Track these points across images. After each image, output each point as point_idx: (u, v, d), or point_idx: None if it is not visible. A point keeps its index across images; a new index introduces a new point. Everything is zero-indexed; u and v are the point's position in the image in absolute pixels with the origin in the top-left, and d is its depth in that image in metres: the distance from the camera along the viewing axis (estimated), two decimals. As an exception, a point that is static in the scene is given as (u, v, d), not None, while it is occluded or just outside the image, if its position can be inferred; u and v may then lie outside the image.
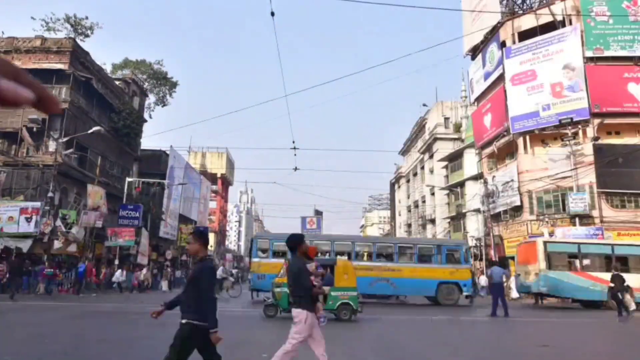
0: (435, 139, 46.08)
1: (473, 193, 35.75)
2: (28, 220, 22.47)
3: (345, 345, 7.82)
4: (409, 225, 57.38)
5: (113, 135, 32.05)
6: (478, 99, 34.79)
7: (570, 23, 27.61)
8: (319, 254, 17.25)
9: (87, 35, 34.45)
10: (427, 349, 8.14)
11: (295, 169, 25.35)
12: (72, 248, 24.49)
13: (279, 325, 10.03)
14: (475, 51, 34.25)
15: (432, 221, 47.09)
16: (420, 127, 53.43)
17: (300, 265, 4.61)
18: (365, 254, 19.93)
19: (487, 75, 32.28)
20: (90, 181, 27.58)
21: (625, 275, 14.86)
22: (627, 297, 15.80)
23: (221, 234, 72.41)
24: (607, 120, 26.26)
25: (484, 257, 30.84)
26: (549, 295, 19.41)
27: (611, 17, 26.72)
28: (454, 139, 44.74)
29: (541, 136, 28.17)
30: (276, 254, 18.46)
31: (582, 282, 18.06)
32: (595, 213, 25.17)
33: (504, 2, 32.36)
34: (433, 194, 45.87)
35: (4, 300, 16.29)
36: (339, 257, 17.61)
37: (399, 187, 64.46)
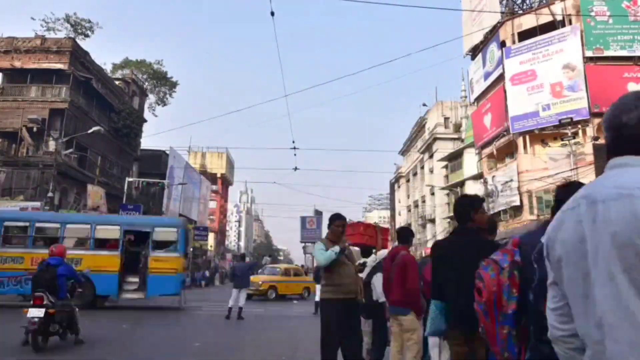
0: (435, 139, 46.09)
1: (473, 193, 35.72)
2: (28, 220, 22.42)
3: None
4: (409, 225, 57.44)
5: (113, 135, 32.07)
6: (478, 99, 34.79)
7: (570, 23, 27.61)
8: None
9: (87, 35, 34.58)
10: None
11: (295, 169, 25.32)
12: (72, 248, 24.50)
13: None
14: (475, 51, 34.26)
15: (432, 221, 47.10)
16: (420, 127, 53.44)
17: None
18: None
19: (487, 75, 32.29)
20: (90, 181, 27.59)
21: None
22: None
23: (221, 234, 72.44)
24: (607, 120, 26.25)
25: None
26: None
27: (611, 17, 26.71)
28: (454, 139, 44.74)
29: (541, 136, 28.18)
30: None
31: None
32: (595, 213, 25.16)
33: (504, 2, 32.37)
34: (433, 193, 45.88)
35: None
36: None
37: (399, 187, 64.48)
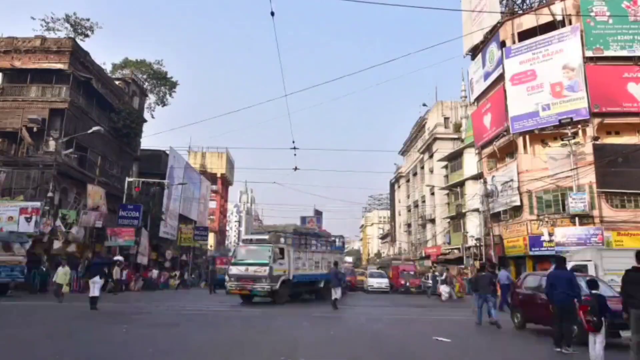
0: (435, 139, 46.10)
1: (473, 193, 35.75)
2: (28, 220, 22.46)
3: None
4: (409, 225, 57.42)
5: (113, 135, 32.05)
6: (478, 99, 34.79)
7: (570, 23, 27.61)
8: None
9: (87, 35, 34.54)
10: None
11: (295, 169, 25.27)
12: (72, 248, 24.53)
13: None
14: (475, 51, 34.25)
15: (432, 221, 47.10)
16: (420, 127, 53.45)
17: None
18: None
19: (486, 75, 32.28)
20: (90, 181, 27.58)
21: None
22: None
23: (221, 234, 72.45)
24: (607, 120, 26.25)
25: (483, 256, 30.87)
26: None
27: (611, 17, 26.70)
28: (454, 139, 44.75)
29: (541, 136, 28.18)
30: None
31: None
32: (595, 213, 25.16)
33: (504, 2, 32.35)
34: (433, 193, 45.88)
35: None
36: None
37: (399, 187, 64.48)
